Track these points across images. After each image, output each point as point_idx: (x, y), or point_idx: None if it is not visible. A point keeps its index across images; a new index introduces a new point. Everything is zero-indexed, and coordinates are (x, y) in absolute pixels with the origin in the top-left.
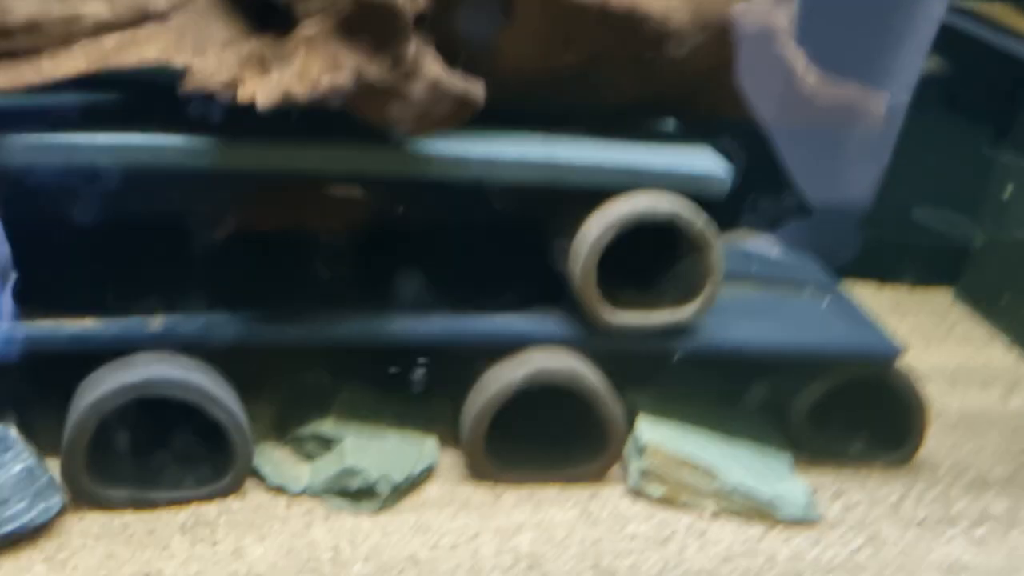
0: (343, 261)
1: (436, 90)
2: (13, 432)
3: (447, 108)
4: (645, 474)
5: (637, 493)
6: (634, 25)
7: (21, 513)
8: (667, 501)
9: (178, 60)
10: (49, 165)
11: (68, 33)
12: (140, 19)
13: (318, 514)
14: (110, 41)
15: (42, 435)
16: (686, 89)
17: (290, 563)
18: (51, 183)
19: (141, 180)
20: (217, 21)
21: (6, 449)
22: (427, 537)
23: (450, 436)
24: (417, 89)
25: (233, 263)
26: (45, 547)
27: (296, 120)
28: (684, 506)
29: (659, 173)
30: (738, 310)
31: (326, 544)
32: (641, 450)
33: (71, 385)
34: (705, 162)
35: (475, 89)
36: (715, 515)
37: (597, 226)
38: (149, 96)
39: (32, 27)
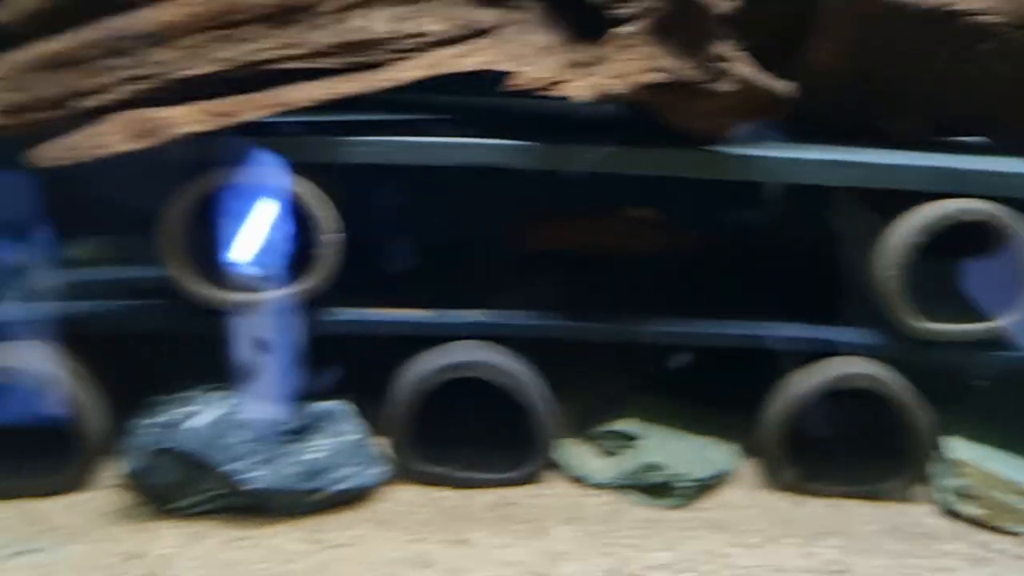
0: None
1: (747, 87)
2: (350, 408)
3: (757, 106)
4: (959, 492)
5: (948, 512)
6: (949, 22)
7: (352, 475)
8: (982, 522)
9: (502, 66)
10: (394, 164)
11: (413, 46)
12: (471, 34)
13: (617, 505)
14: (446, 52)
15: (369, 414)
16: (1006, 100)
17: (591, 545)
18: (386, 187)
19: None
20: (538, 32)
21: (344, 420)
22: (727, 536)
23: (748, 446)
24: (727, 86)
25: (540, 275)
26: (371, 508)
27: (601, 128)
28: (1000, 530)
29: (978, 173)
30: None
31: (627, 534)
32: (954, 467)
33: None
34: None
35: (785, 87)
36: None
37: (908, 228)
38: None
39: (387, 41)
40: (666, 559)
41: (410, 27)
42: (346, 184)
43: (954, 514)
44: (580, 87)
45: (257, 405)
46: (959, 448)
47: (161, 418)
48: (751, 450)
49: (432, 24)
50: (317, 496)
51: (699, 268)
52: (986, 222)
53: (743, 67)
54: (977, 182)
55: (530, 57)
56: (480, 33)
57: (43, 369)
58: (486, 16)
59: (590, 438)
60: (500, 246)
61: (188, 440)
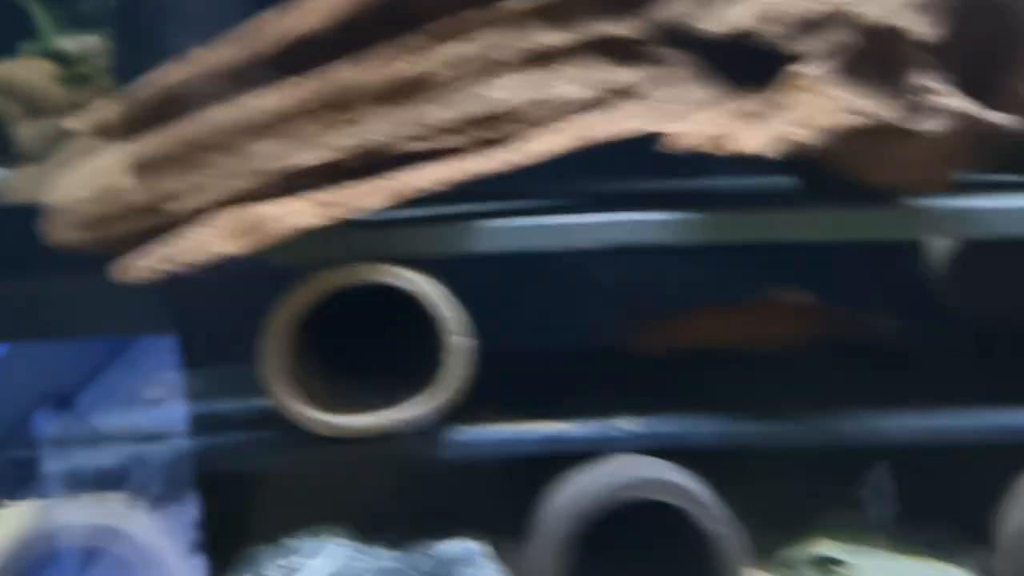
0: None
1: (960, 123)
2: (484, 551)
3: (973, 144)
4: None
5: None
6: None
7: None
8: None
9: (655, 128)
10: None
11: (551, 114)
12: (611, 96)
13: None
14: (591, 119)
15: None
16: None
17: None
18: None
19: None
20: (691, 85)
21: (478, 568)
22: None
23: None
24: (936, 125)
25: (682, 375)
26: None
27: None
28: None
29: None
30: None
31: None
32: None
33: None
34: None
35: (1007, 119)
36: None
37: None
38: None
39: (519, 112)
40: None
41: (544, 94)
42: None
43: None
44: (755, 138)
45: (375, 551)
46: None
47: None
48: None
49: (569, 88)
50: None
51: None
52: None
53: (953, 100)
54: None
55: (687, 114)
56: (624, 94)
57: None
58: (628, 76)
59: (778, 565)
60: (628, 344)
61: None
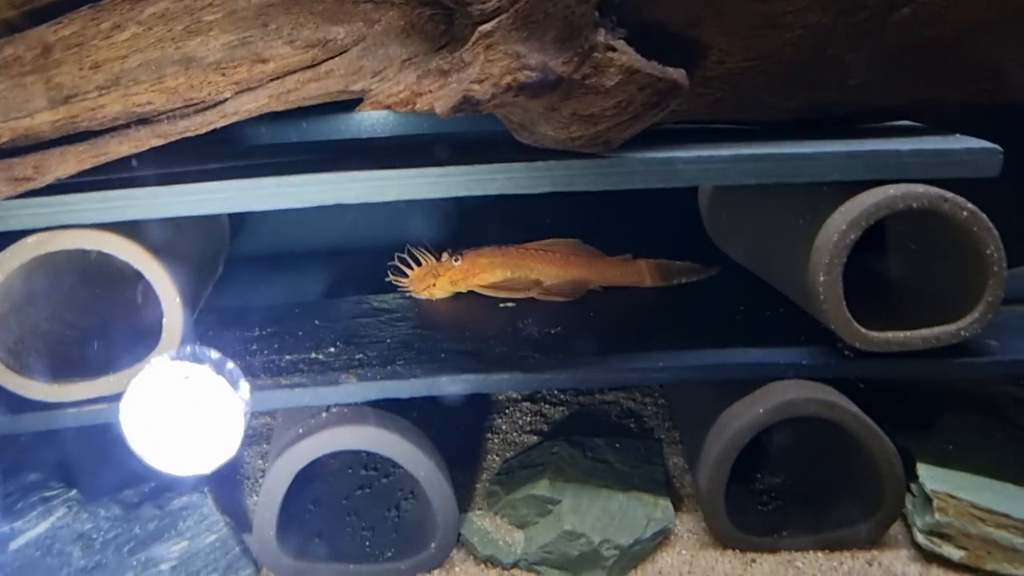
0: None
1: (633, 77)
2: (209, 503)
3: (647, 97)
4: (937, 532)
5: (929, 557)
6: None
7: None
8: (970, 566)
9: (357, 86)
10: None
11: (251, 76)
12: (323, 57)
13: None
14: (292, 80)
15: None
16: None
17: None
18: None
19: None
20: (396, 44)
21: (202, 519)
22: None
23: (689, 498)
24: (610, 80)
25: None
26: None
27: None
28: (993, 574)
29: (917, 152)
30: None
31: None
32: (928, 501)
33: None
34: (969, 142)
35: (676, 74)
36: None
37: (840, 222)
38: None
39: (218, 72)
40: None
41: (245, 54)
42: None
43: (938, 557)
44: (444, 97)
45: (95, 509)
46: (933, 478)
47: None
48: (695, 501)
49: (273, 50)
50: None
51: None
52: (933, 209)
53: (626, 56)
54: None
55: (390, 74)
56: (332, 53)
57: None
58: (338, 33)
59: (502, 508)
60: None
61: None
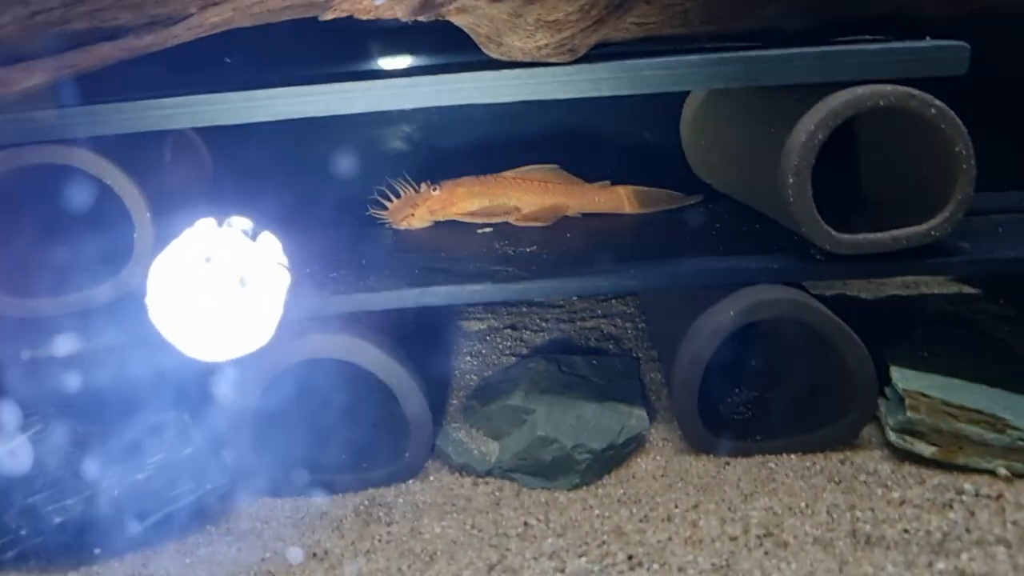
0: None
1: None
2: (186, 416)
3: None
4: (908, 429)
5: (900, 455)
6: None
7: (189, 491)
8: (941, 461)
9: None
10: None
11: None
12: None
13: (508, 491)
14: None
15: None
16: None
17: (471, 540)
18: None
19: None
20: None
21: (179, 433)
22: (636, 509)
23: (665, 411)
24: None
25: None
26: (213, 526)
27: None
28: (964, 469)
29: (886, 52)
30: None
31: (514, 521)
32: (900, 400)
33: None
34: (937, 42)
35: None
36: (1009, 478)
37: (808, 123)
38: None
39: None
40: (564, 544)
41: None
42: None
43: (910, 455)
44: (403, 1)
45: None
46: (906, 379)
47: None
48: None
49: None
50: (146, 522)
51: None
52: (901, 107)
53: None
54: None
55: None
56: None
57: None
58: None
59: (478, 420)
60: None
61: None
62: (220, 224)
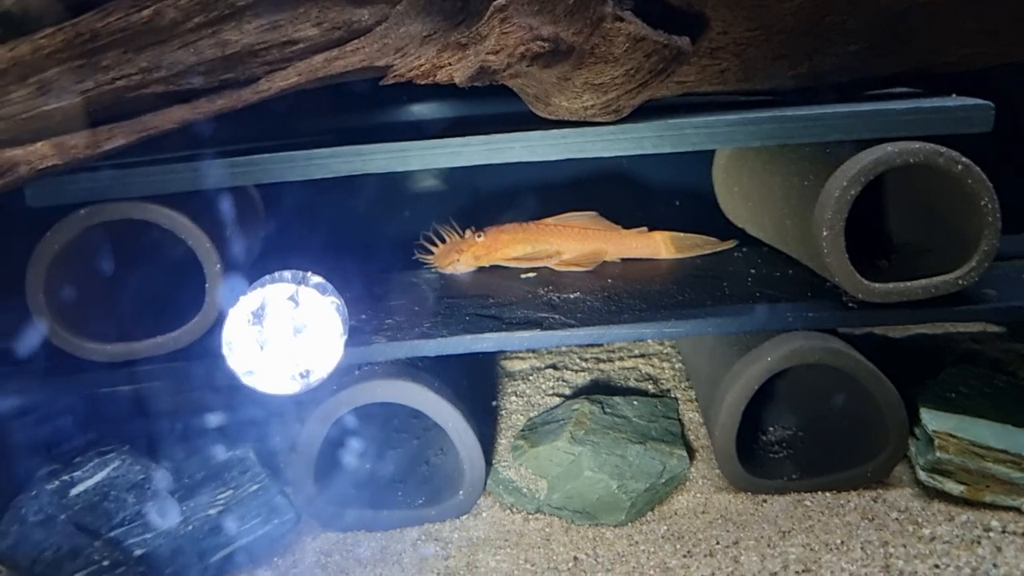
0: None
1: (640, 45)
2: (251, 455)
3: (654, 64)
4: (938, 468)
5: (930, 492)
6: None
7: (257, 526)
8: (969, 499)
9: (381, 62)
10: None
11: (288, 55)
12: (349, 36)
13: (557, 527)
14: (320, 58)
15: None
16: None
17: (524, 573)
18: None
19: None
20: (416, 22)
21: (244, 470)
22: (679, 545)
23: (704, 449)
24: (618, 48)
25: None
26: (280, 559)
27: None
28: (991, 506)
29: (914, 111)
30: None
31: (565, 555)
32: (930, 440)
33: None
34: (963, 100)
35: (681, 41)
36: None
37: (841, 178)
38: None
39: (258, 53)
40: None
41: (276, 36)
42: None
43: (939, 493)
44: (460, 68)
45: (145, 461)
46: (935, 420)
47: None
48: (704, 450)
49: (302, 32)
50: (217, 556)
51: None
52: (928, 163)
53: (633, 25)
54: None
55: (411, 49)
56: (358, 32)
57: None
58: (363, 14)
59: (526, 460)
60: None
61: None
62: (294, 280)
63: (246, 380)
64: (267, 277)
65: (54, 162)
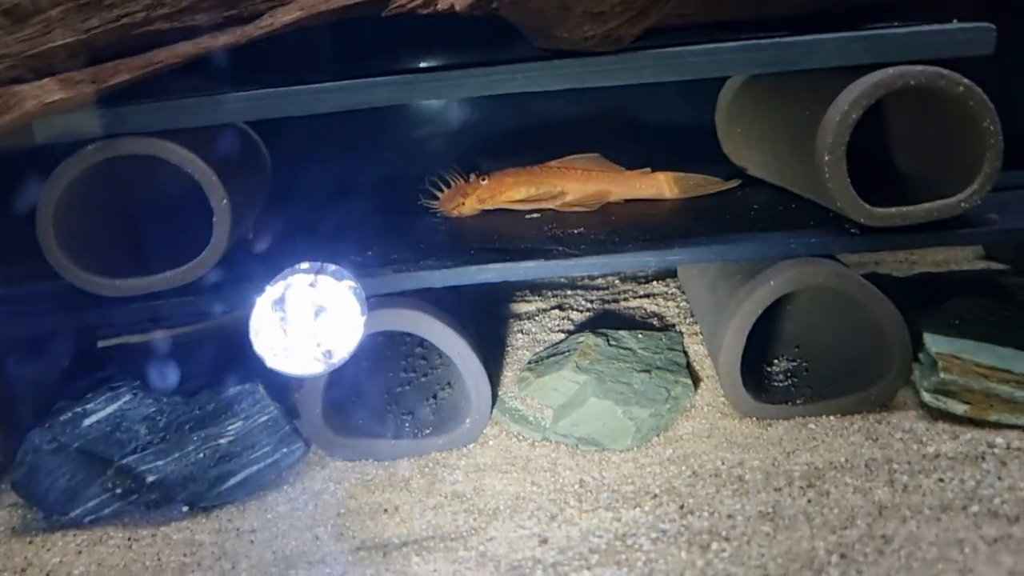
0: None
1: None
2: (261, 388)
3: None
4: (942, 389)
5: (934, 414)
6: None
7: (266, 455)
8: (974, 419)
9: None
10: None
11: None
12: None
13: (563, 453)
14: None
15: None
16: None
17: (531, 495)
18: None
19: None
20: None
21: (254, 403)
22: (684, 467)
23: (709, 379)
24: None
25: None
26: (290, 486)
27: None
28: (996, 425)
29: (915, 34)
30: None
31: (571, 478)
32: (933, 363)
33: None
34: (964, 24)
35: None
36: None
37: (843, 102)
38: None
39: None
40: (618, 497)
41: None
42: None
43: (943, 414)
44: None
45: (156, 396)
46: (938, 343)
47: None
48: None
49: None
50: (228, 483)
51: None
52: (931, 87)
53: None
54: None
55: None
56: None
57: None
58: None
59: (533, 390)
60: None
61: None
62: (312, 270)
63: (272, 363)
64: (288, 270)
65: (60, 96)
